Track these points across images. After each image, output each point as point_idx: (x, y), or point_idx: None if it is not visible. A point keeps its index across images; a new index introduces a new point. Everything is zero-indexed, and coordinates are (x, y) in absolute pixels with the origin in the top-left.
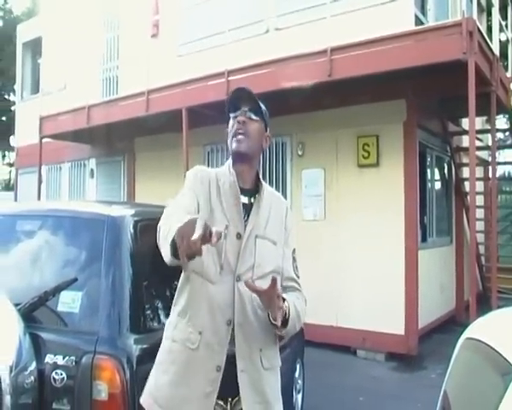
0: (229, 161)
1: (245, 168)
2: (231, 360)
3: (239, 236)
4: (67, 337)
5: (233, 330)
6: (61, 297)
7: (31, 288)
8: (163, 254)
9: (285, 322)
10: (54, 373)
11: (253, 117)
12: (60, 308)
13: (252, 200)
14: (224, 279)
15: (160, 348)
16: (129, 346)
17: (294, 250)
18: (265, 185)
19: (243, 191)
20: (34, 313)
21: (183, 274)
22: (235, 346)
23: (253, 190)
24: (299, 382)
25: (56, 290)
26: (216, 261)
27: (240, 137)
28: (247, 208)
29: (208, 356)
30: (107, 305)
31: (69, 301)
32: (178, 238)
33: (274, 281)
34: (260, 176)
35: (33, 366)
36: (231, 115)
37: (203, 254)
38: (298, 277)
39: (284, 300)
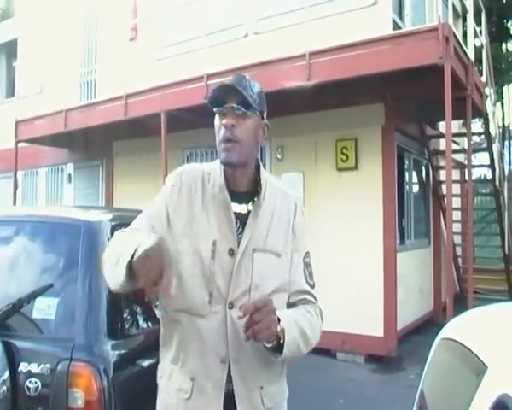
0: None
1: (237, 171)
2: (231, 401)
3: (231, 252)
4: (42, 345)
5: (229, 368)
6: (36, 304)
7: (5, 295)
8: (110, 280)
9: (280, 346)
10: (28, 382)
11: (244, 112)
12: (35, 315)
13: (249, 206)
14: (215, 309)
15: (157, 401)
16: (106, 352)
17: (307, 254)
18: (268, 181)
19: (238, 196)
20: (8, 320)
21: (160, 313)
22: (233, 386)
23: (252, 193)
24: None
25: (31, 297)
26: (203, 289)
27: (229, 145)
28: (243, 218)
29: (204, 405)
30: (84, 311)
31: (44, 308)
32: (139, 275)
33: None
34: (262, 171)
35: (6, 375)
36: (216, 111)
37: (188, 283)
38: (312, 286)
39: (279, 320)
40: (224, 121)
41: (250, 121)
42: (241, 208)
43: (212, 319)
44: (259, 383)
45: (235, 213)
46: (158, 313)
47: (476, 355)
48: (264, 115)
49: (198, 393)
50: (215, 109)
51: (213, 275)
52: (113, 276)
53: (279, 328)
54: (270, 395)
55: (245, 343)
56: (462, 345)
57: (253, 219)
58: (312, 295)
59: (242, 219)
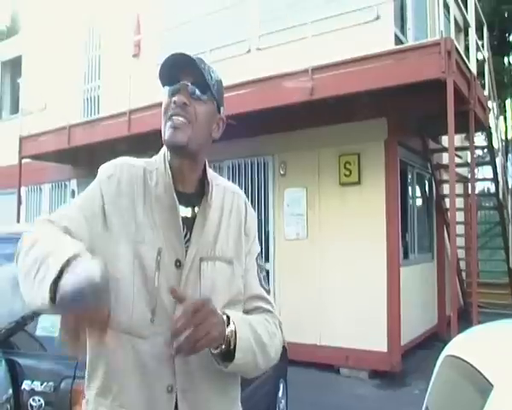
0: (164, 149)
1: (185, 165)
2: None
3: (178, 264)
4: (46, 362)
5: (176, 398)
6: (39, 322)
7: (8, 312)
8: (24, 293)
9: (230, 353)
10: (31, 400)
11: (200, 96)
12: (38, 333)
13: (196, 210)
14: (158, 330)
15: None
16: None
17: (259, 255)
18: (214, 180)
19: (184, 198)
20: (11, 338)
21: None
22: None
23: (198, 194)
24: (283, 401)
25: (35, 315)
26: (145, 305)
27: (178, 121)
28: (189, 222)
29: None
30: None
31: (48, 326)
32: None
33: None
34: (208, 169)
35: (9, 393)
36: (167, 89)
37: (126, 296)
38: (267, 291)
39: (228, 320)
40: (175, 98)
41: (205, 107)
42: (187, 212)
43: (154, 342)
44: None
45: (181, 217)
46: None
47: (481, 373)
48: (222, 110)
49: None
50: (166, 87)
51: (158, 289)
52: (30, 291)
53: (228, 329)
54: None
55: (195, 369)
56: (467, 363)
57: (201, 223)
58: (269, 303)
59: (189, 225)
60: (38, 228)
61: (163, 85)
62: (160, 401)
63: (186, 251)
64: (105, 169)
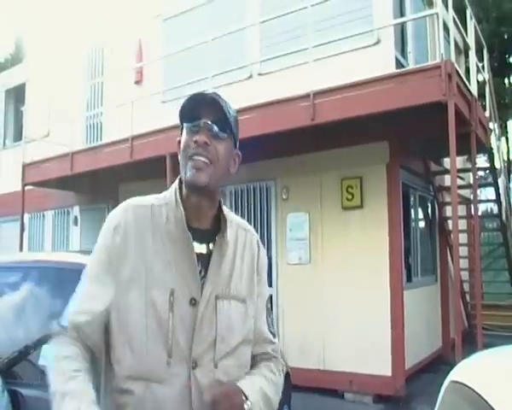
0: (176, 185)
1: (203, 202)
2: None
3: (193, 302)
4: (49, 392)
5: None
6: (42, 351)
7: (11, 342)
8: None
9: None
10: None
11: (220, 134)
12: (41, 362)
13: (210, 246)
14: (175, 371)
15: None
16: None
17: (269, 299)
18: (229, 217)
19: (198, 234)
20: (14, 368)
21: (102, 380)
22: None
23: (213, 231)
24: None
25: (37, 344)
26: (160, 348)
27: (200, 162)
28: (204, 259)
29: None
30: None
31: (51, 355)
32: None
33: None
34: (223, 206)
35: None
36: (187, 126)
37: (140, 341)
38: (274, 334)
39: (247, 398)
40: (196, 137)
41: (225, 145)
42: (202, 248)
43: (172, 384)
44: None
45: (196, 254)
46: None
47: (486, 401)
48: (237, 145)
49: None
50: (186, 124)
51: (172, 330)
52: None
53: (246, 407)
54: None
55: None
56: (472, 389)
57: (217, 261)
58: (276, 348)
59: (203, 261)
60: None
61: (183, 122)
62: None
63: (202, 288)
64: (111, 219)
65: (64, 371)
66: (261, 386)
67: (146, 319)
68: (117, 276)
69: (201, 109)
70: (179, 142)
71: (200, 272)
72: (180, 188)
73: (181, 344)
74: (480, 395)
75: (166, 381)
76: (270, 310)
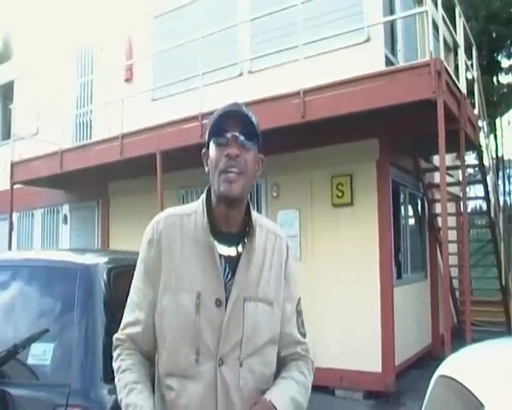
0: (204, 195)
1: (233, 209)
2: None
3: (219, 303)
4: (38, 391)
5: None
6: (31, 350)
7: (0, 341)
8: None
9: None
10: None
11: (248, 144)
12: (30, 361)
13: (239, 249)
14: (202, 368)
15: None
16: (102, 397)
17: (299, 301)
18: (258, 221)
19: (228, 237)
20: (2, 367)
21: (155, 378)
22: None
23: (242, 234)
24: None
25: (26, 343)
26: (189, 347)
27: (232, 175)
28: (233, 262)
29: None
30: (80, 355)
31: (40, 354)
32: None
33: None
34: (252, 210)
35: None
36: (215, 141)
37: (173, 342)
38: (304, 335)
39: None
40: (228, 151)
41: (252, 153)
42: (231, 251)
43: (200, 380)
44: None
45: (224, 256)
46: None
47: (473, 394)
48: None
49: None
50: (215, 139)
51: (199, 330)
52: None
53: None
54: None
55: (236, 404)
56: (459, 383)
57: (245, 263)
58: (305, 348)
59: (232, 264)
60: (117, 359)
61: (211, 137)
62: None
63: (229, 290)
64: (146, 233)
65: (125, 384)
66: (291, 394)
67: (176, 321)
68: (154, 285)
69: (228, 123)
70: (204, 153)
71: (228, 274)
72: (208, 196)
73: (208, 343)
74: (466, 388)
75: (195, 377)
76: (300, 312)
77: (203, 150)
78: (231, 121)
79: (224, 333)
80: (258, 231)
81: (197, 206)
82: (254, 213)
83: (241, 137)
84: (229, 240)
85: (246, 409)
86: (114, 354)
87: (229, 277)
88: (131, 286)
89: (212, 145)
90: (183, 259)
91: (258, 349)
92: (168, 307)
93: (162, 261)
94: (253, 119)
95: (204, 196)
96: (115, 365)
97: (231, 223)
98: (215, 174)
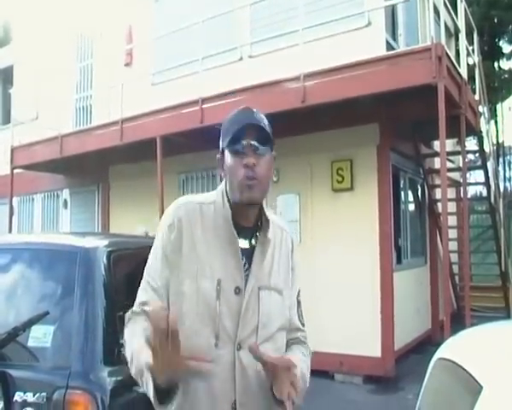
0: (223, 186)
1: (253, 210)
2: None
3: (238, 290)
4: (38, 373)
5: None
6: (31, 332)
7: (0, 323)
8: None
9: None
10: None
11: (263, 150)
12: (30, 343)
13: (253, 242)
14: (222, 352)
15: None
16: (102, 379)
17: (299, 292)
18: (270, 218)
19: (243, 231)
20: (3, 349)
21: None
22: None
23: (255, 228)
24: None
25: (27, 325)
26: (209, 332)
27: (252, 183)
28: (247, 253)
29: None
30: (80, 338)
31: (40, 336)
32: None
33: (288, 364)
34: (264, 205)
35: (0, 405)
36: (231, 149)
37: (192, 326)
38: (303, 324)
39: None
40: (245, 161)
41: (268, 157)
42: (245, 244)
43: (219, 363)
44: None
45: (240, 248)
46: None
47: (472, 375)
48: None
49: None
50: (231, 147)
51: (220, 316)
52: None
53: (297, 372)
54: None
55: (253, 386)
56: (458, 365)
57: (259, 255)
58: (304, 336)
59: (247, 255)
60: (128, 325)
61: (226, 144)
62: None
63: (246, 280)
64: (165, 217)
65: (133, 332)
66: (302, 368)
67: (197, 306)
68: (172, 269)
69: (242, 130)
70: (219, 159)
71: (245, 264)
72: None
73: (227, 328)
74: (465, 370)
75: (214, 360)
76: (299, 302)
77: (218, 156)
78: (249, 130)
79: (242, 319)
80: (270, 225)
81: (216, 196)
82: (266, 209)
83: (256, 144)
84: (244, 233)
85: (264, 390)
86: (127, 322)
87: (245, 267)
88: (146, 267)
89: (227, 153)
90: (204, 246)
91: (271, 335)
92: (189, 291)
93: (183, 246)
94: (265, 122)
95: (223, 188)
96: (127, 330)
97: (247, 218)
98: (234, 182)
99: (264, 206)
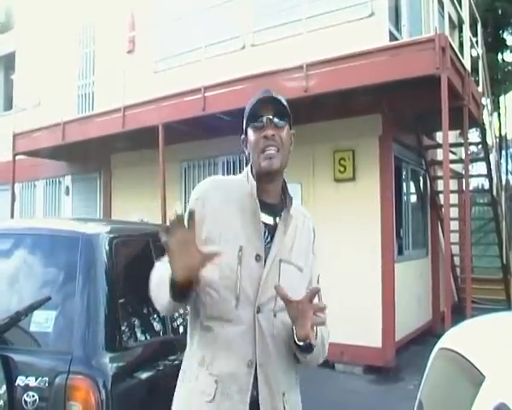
0: (248, 168)
1: (274, 182)
2: (254, 407)
3: (258, 258)
4: (40, 358)
5: (256, 371)
6: (33, 317)
7: (2, 308)
8: (158, 304)
9: (310, 346)
10: (25, 396)
11: (281, 123)
12: (32, 328)
13: (277, 220)
14: (242, 313)
15: (175, 397)
16: (104, 365)
17: (319, 278)
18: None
19: (266, 207)
20: (5, 334)
21: (191, 319)
22: (258, 390)
23: (279, 206)
24: None
25: (29, 310)
26: (230, 294)
27: (271, 152)
28: (271, 229)
29: (227, 408)
30: (82, 323)
31: (42, 321)
32: (171, 253)
33: (314, 292)
34: (287, 186)
35: (3, 389)
36: (253, 126)
37: (215, 289)
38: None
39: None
40: (264, 133)
41: (285, 130)
42: (269, 220)
43: (239, 324)
44: (282, 388)
45: (262, 222)
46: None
47: (474, 365)
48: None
49: (221, 396)
50: (252, 124)
51: (240, 280)
52: (160, 299)
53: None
54: (290, 403)
55: (271, 348)
56: (460, 355)
57: (282, 231)
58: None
59: (270, 230)
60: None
61: (248, 122)
62: (241, 374)
63: (268, 251)
64: (195, 191)
65: (158, 266)
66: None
67: (220, 271)
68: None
69: (262, 108)
70: (243, 140)
71: (268, 237)
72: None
73: (248, 292)
74: (467, 360)
75: (234, 320)
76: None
77: (242, 137)
78: (265, 106)
79: (262, 285)
80: (293, 207)
81: (242, 176)
82: (289, 192)
83: (275, 119)
84: (268, 209)
85: (279, 354)
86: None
87: (268, 240)
88: None
89: (250, 130)
90: (228, 215)
91: None
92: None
93: (207, 214)
94: (283, 100)
95: (248, 168)
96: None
97: (271, 193)
98: (255, 154)
99: (287, 185)
